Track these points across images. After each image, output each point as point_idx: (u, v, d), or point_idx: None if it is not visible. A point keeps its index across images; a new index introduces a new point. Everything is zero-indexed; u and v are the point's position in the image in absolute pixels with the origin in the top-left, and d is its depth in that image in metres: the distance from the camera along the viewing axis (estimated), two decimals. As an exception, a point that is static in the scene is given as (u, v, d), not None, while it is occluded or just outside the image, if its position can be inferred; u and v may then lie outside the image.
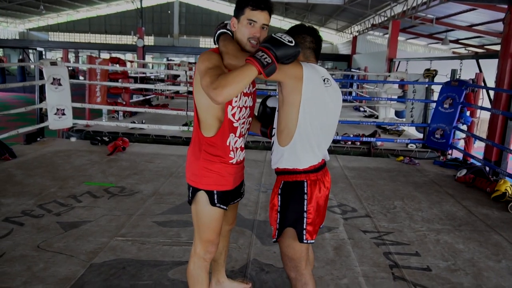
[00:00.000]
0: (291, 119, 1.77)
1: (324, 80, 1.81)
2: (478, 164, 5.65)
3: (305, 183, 1.83)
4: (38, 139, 6.07)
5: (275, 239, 1.90)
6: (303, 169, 1.83)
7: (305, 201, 1.82)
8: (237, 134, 1.87)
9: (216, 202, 1.87)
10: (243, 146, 1.95)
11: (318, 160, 1.86)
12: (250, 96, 1.89)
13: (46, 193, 3.88)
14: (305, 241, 1.84)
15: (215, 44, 1.85)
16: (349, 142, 6.86)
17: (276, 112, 1.88)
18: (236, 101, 1.81)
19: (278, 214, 1.86)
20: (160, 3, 32.15)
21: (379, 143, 6.90)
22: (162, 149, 6.06)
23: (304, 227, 1.83)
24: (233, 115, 1.83)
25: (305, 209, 1.82)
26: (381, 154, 6.68)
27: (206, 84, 1.57)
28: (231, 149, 1.87)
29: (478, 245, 3.26)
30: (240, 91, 1.60)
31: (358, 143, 6.87)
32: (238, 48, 1.76)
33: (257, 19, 1.75)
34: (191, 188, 1.90)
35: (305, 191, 1.82)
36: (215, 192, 1.87)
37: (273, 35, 1.64)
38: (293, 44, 1.61)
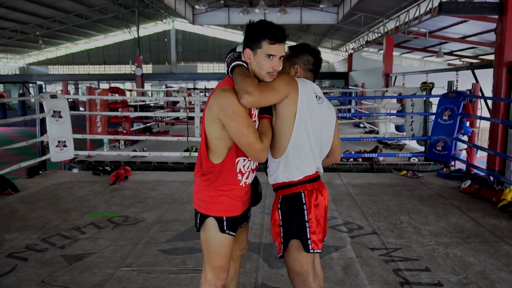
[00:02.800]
0: (284, 131, 1.83)
1: (316, 97, 1.89)
2: (482, 174, 5.62)
3: (302, 193, 1.87)
4: (40, 172, 6.08)
5: (281, 254, 1.91)
6: (298, 180, 1.88)
7: (305, 211, 1.86)
8: (249, 158, 1.87)
9: (225, 228, 1.86)
10: (254, 167, 1.95)
11: (312, 171, 1.91)
12: (256, 122, 1.90)
13: (49, 226, 3.86)
14: (312, 251, 1.86)
15: (228, 74, 1.84)
16: (351, 159, 6.85)
17: None
18: None
19: (281, 228, 1.89)
20: (157, 31, 32.70)
21: (381, 158, 6.88)
22: (164, 176, 6.05)
23: (308, 236, 1.85)
24: None
25: (306, 219, 1.86)
26: (384, 169, 6.66)
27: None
28: (238, 171, 1.87)
29: (489, 257, 3.21)
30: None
31: (360, 160, 6.85)
32: (256, 82, 1.75)
33: (276, 52, 1.75)
34: (199, 214, 1.89)
35: (304, 201, 1.86)
36: (224, 218, 1.86)
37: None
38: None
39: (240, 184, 1.89)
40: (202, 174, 1.87)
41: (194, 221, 1.95)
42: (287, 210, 1.88)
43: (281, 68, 1.85)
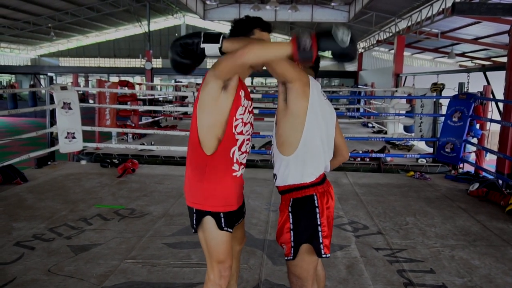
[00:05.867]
0: (295, 129, 1.77)
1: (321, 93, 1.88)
2: (490, 177, 5.57)
3: (315, 196, 1.81)
4: (49, 162, 6.14)
5: (291, 257, 1.83)
6: (310, 182, 1.81)
7: (318, 214, 1.80)
8: (242, 149, 1.84)
9: (223, 225, 1.81)
10: (245, 163, 1.91)
11: (322, 170, 1.87)
12: (252, 114, 1.89)
13: (57, 217, 3.90)
14: (324, 255, 1.81)
15: (220, 53, 1.67)
16: (359, 159, 6.82)
17: (274, 126, 1.89)
18: (240, 114, 1.78)
19: (291, 232, 1.82)
20: (167, 26, 32.77)
21: (388, 158, 6.85)
22: (171, 170, 6.07)
23: (321, 241, 1.80)
24: (236, 127, 1.78)
25: (318, 223, 1.80)
26: (391, 170, 6.62)
27: (239, 51, 1.54)
28: (235, 161, 1.81)
29: (495, 261, 3.18)
30: (265, 57, 1.59)
31: (368, 159, 6.82)
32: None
33: (267, 40, 1.81)
34: (194, 213, 1.82)
35: (316, 205, 1.80)
36: (221, 214, 1.80)
37: (334, 28, 1.51)
38: (346, 45, 1.50)
39: (234, 174, 1.82)
40: (194, 168, 1.80)
41: (190, 221, 1.87)
42: (299, 214, 1.81)
43: None
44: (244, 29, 1.82)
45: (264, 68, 1.80)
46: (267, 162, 6.56)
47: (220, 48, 1.65)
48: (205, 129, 1.76)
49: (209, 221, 1.80)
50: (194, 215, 1.82)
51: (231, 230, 1.85)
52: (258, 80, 28.56)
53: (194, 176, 1.81)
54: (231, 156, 1.80)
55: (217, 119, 1.75)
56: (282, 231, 1.86)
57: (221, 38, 1.65)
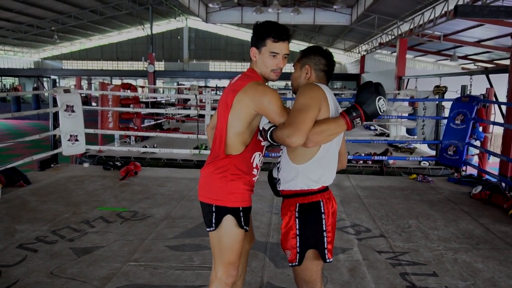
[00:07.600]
0: None
1: None
2: (493, 180, 5.55)
3: (321, 202, 1.82)
4: (52, 165, 6.15)
5: (296, 263, 1.84)
6: (317, 189, 1.83)
7: (323, 220, 1.81)
8: (263, 153, 1.95)
9: (243, 224, 1.88)
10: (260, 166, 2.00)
11: (332, 180, 1.88)
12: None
13: (59, 219, 3.91)
14: (328, 260, 1.83)
15: (269, 140, 1.79)
16: (361, 161, 6.81)
17: None
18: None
19: (298, 237, 1.82)
20: (170, 29, 32.88)
21: (391, 161, 6.83)
22: (173, 172, 6.08)
23: (325, 246, 1.82)
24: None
25: (324, 229, 1.82)
26: (394, 173, 6.61)
27: (297, 127, 1.63)
28: (254, 166, 1.91)
29: (498, 264, 3.17)
30: (323, 142, 1.73)
31: (370, 162, 6.81)
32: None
33: (279, 51, 1.82)
34: (214, 211, 1.86)
35: (323, 211, 1.82)
36: (240, 209, 1.87)
37: (377, 101, 1.70)
38: (382, 112, 1.73)
39: (254, 179, 1.94)
40: (219, 167, 1.86)
41: (206, 220, 1.90)
42: (305, 219, 1.82)
43: (284, 66, 1.87)
44: (258, 39, 1.82)
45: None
46: (269, 164, 6.54)
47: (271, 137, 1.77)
48: (235, 135, 1.84)
49: (229, 219, 1.86)
50: (214, 213, 1.87)
51: (247, 229, 1.91)
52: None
53: (217, 174, 1.86)
54: (251, 160, 1.89)
55: (248, 128, 1.84)
56: (287, 237, 1.85)
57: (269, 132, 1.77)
